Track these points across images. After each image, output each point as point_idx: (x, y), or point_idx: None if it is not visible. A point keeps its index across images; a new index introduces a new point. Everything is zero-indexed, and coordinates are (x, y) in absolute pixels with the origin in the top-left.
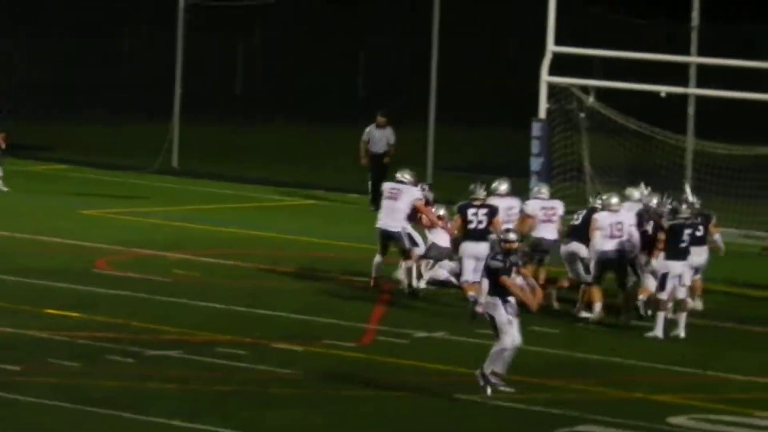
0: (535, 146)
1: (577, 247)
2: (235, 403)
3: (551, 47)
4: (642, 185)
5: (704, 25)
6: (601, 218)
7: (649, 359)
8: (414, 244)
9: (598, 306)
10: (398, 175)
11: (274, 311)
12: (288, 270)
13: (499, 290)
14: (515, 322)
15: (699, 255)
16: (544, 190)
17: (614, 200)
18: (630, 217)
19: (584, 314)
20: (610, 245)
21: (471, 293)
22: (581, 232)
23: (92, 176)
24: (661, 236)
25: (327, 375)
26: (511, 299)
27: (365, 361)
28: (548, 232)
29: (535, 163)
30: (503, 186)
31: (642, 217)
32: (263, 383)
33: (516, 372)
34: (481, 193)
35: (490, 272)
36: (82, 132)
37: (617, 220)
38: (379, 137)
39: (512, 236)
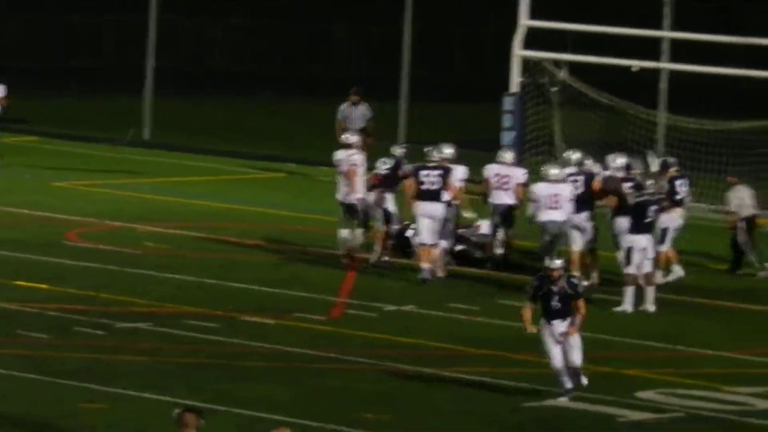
0: (506, 120)
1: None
2: (206, 376)
3: (524, 21)
4: (615, 156)
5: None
6: (539, 189)
7: (618, 334)
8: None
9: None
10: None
11: (245, 284)
12: (259, 243)
13: (544, 311)
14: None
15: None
16: (506, 156)
17: (552, 171)
18: (567, 188)
19: None
20: (549, 216)
21: (424, 264)
22: None
23: (64, 149)
24: (611, 201)
25: (297, 348)
26: (555, 322)
27: (335, 334)
28: (501, 197)
29: (507, 137)
30: (508, 154)
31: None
32: (233, 356)
33: (485, 346)
34: (435, 155)
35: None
36: (55, 105)
37: (555, 191)
38: (355, 115)
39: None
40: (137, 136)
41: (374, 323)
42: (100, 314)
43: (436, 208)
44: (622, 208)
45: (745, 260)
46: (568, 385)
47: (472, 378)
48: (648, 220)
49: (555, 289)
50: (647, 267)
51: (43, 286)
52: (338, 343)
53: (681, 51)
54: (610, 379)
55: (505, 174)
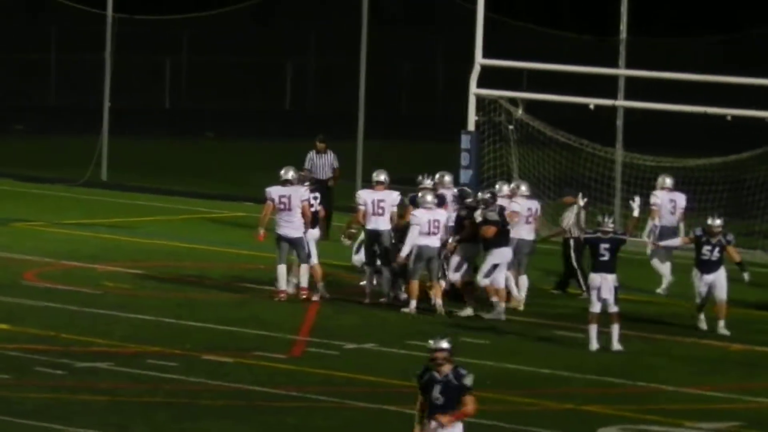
0: (464, 158)
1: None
2: (165, 415)
3: (479, 60)
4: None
5: (632, 37)
6: (419, 215)
7: (578, 370)
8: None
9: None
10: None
11: (204, 323)
12: (217, 282)
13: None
14: None
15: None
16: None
17: (429, 198)
18: (444, 214)
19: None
20: (426, 241)
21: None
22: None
23: (20, 189)
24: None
25: (257, 387)
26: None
27: (295, 372)
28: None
29: (465, 176)
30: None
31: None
32: (193, 395)
33: None
34: (428, 183)
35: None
36: (10, 144)
37: (434, 217)
38: (321, 164)
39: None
40: (95, 177)
41: (334, 361)
42: (60, 354)
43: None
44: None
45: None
46: None
47: None
48: (603, 258)
49: (438, 377)
50: (612, 307)
51: (3, 326)
52: (298, 380)
53: (637, 88)
54: (572, 415)
55: (380, 198)
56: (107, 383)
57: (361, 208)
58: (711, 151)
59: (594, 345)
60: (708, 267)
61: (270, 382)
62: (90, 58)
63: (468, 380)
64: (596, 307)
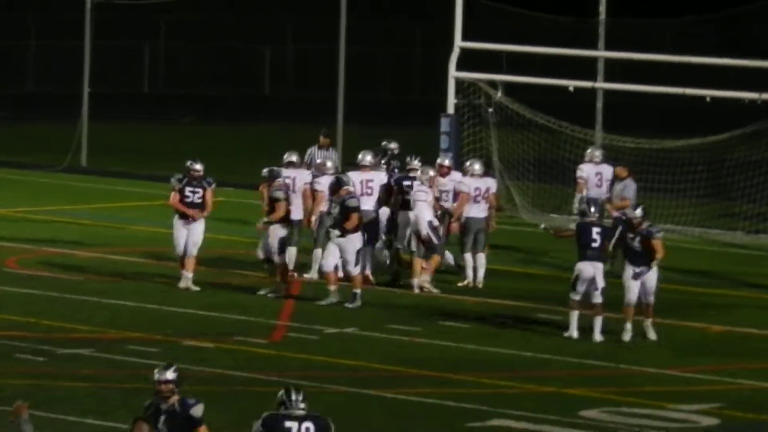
0: (443, 142)
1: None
2: (146, 401)
3: (458, 42)
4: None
5: (611, 19)
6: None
7: (560, 353)
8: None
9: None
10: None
11: (185, 308)
12: (198, 268)
13: None
14: None
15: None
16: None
17: (368, 158)
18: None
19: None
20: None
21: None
22: None
23: (0, 175)
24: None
25: (237, 372)
26: None
27: (275, 357)
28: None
29: (444, 159)
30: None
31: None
32: None
33: (426, 367)
34: (415, 164)
35: None
36: None
37: (368, 177)
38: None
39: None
40: (74, 163)
41: (315, 346)
42: (41, 340)
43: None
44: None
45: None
46: None
47: (414, 399)
48: (594, 245)
49: (164, 407)
50: (597, 297)
51: None
52: (279, 366)
53: (616, 70)
54: (554, 398)
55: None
56: (88, 369)
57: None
58: (691, 133)
59: (574, 333)
60: (634, 259)
61: (250, 367)
62: (69, 45)
63: (196, 411)
64: (579, 295)
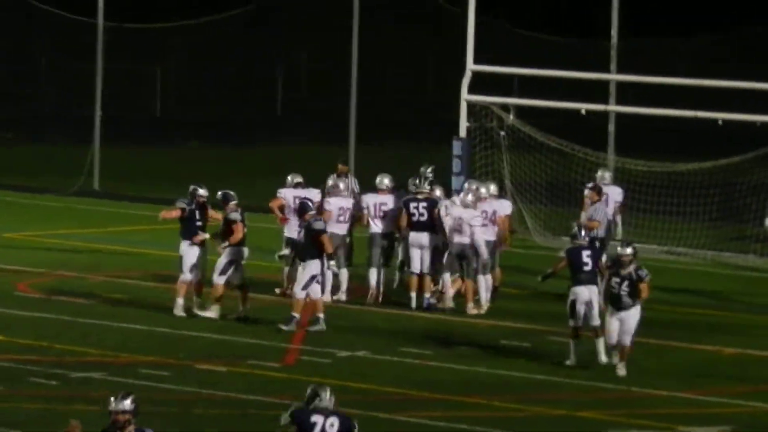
0: (456, 165)
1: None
2: (159, 425)
3: (470, 66)
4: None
5: (623, 42)
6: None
7: (572, 376)
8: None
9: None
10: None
11: (197, 332)
12: (209, 290)
13: None
14: None
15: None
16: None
17: (341, 185)
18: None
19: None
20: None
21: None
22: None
23: (11, 199)
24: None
25: (250, 395)
26: None
27: (288, 380)
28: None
29: (456, 182)
30: (386, 180)
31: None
32: (186, 404)
33: (438, 390)
34: (423, 187)
35: None
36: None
37: (345, 205)
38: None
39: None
40: (87, 186)
41: (328, 369)
42: (54, 364)
43: (425, 238)
44: None
45: None
46: None
47: (426, 422)
48: (586, 268)
49: None
50: (595, 320)
51: None
52: (292, 389)
53: (629, 93)
54: (565, 421)
55: (382, 202)
56: (101, 393)
57: (364, 211)
58: (703, 156)
59: (573, 359)
60: (617, 303)
61: (263, 390)
62: (81, 67)
63: None
64: (579, 321)
